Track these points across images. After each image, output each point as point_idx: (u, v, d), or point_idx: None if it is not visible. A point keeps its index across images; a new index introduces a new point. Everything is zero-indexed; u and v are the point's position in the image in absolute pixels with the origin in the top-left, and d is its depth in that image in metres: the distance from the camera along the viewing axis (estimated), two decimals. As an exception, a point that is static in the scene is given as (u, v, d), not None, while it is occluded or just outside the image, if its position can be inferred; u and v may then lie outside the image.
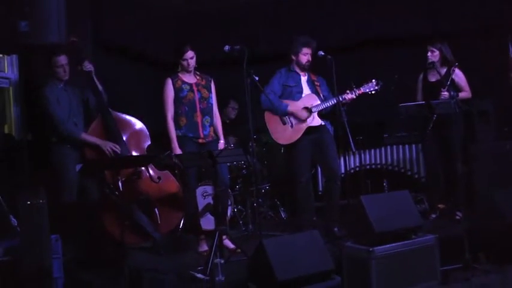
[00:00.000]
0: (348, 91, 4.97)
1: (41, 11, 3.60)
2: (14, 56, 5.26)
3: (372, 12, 6.83)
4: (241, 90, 4.42)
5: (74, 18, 4.42)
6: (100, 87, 4.70)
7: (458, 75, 5.34)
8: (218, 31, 6.89)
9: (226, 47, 4.48)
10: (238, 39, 4.64)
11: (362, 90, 5.00)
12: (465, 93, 5.36)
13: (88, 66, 4.66)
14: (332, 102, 4.95)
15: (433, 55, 5.34)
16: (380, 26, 6.81)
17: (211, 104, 4.83)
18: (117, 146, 4.56)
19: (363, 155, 6.08)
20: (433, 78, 5.43)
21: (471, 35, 6.45)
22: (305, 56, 5.05)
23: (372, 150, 6.11)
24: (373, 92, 5.01)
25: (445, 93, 5.08)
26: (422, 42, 5.50)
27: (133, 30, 6.27)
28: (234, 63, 4.52)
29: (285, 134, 5.01)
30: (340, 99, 4.93)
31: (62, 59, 4.54)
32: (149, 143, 4.80)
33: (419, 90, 5.56)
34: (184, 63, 4.70)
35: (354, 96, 4.97)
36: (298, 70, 5.12)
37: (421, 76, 5.56)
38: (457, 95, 5.10)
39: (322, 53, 4.96)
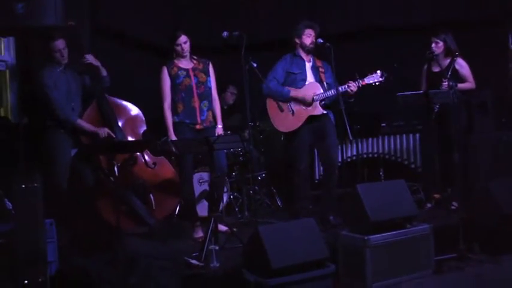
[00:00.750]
0: (351, 82, 4.90)
1: (37, -7, 3.56)
2: (11, 39, 5.22)
3: (373, 0, 6.79)
4: (240, 76, 4.39)
5: (71, 1, 4.39)
6: (104, 73, 4.69)
7: (462, 66, 5.31)
8: (217, 16, 6.85)
9: (225, 33, 4.44)
10: (237, 25, 4.62)
11: (366, 81, 4.91)
12: (469, 84, 5.33)
13: (87, 59, 4.62)
14: (334, 93, 4.85)
15: (437, 46, 5.31)
16: (380, 15, 6.78)
17: (210, 88, 4.80)
18: (106, 130, 4.54)
19: (360, 144, 6.07)
20: (436, 68, 5.40)
21: (471, 25, 6.42)
22: (309, 37, 4.99)
23: (369, 139, 6.10)
24: (377, 84, 4.93)
25: (445, 84, 5.06)
26: (422, 31, 5.47)
27: (131, 14, 6.22)
28: (233, 49, 4.49)
29: (286, 121, 4.98)
30: (343, 90, 4.88)
31: (60, 44, 4.50)
32: (145, 128, 4.79)
33: (423, 80, 5.54)
34: (178, 48, 4.67)
35: (357, 87, 4.89)
36: (303, 55, 5.06)
37: (425, 66, 5.53)
38: (456, 85, 5.08)
39: (321, 41, 4.92)
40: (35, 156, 4.55)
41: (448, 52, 5.32)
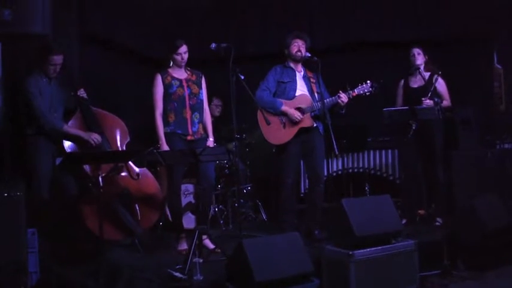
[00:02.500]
0: (341, 92, 4.92)
1: (25, 1, 3.55)
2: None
3: (359, 15, 6.84)
4: (226, 88, 4.38)
5: (59, 9, 4.37)
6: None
7: (440, 83, 5.35)
8: (205, 28, 6.86)
9: (213, 45, 4.44)
10: (226, 38, 4.62)
11: (356, 92, 4.93)
12: (445, 102, 5.38)
13: (82, 93, 4.62)
14: (323, 104, 4.84)
15: (420, 57, 5.35)
16: (367, 30, 6.83)
17: (201, 100, 4.79)
18: (99, 137, 4.51)
19: (345, 159, 6.08)
20: (414, 84, 5.46)
21: (457, 43, 6.49)
22: (295, 47, 5.00)
23: (355, 154, 6.12)
24: (367, 94, 4.95)
25: (427, 102, 5.08)
26: (408, 47, 5.52)
27: (120, 23, 6.20)
28: (219, 60, 4.48)
29: (277, 134, 4.95)
30: (334, 100, 4.90)
31: (58, 59, 4.45)
32: (129, 139, 4.76)
33: (399, 95, 5.57)
34: (178, 57, 4.66)
35: (348, 98, 4.91)
36: (293, 65, 5.06)
37: (402, 82, 5.57)
38: (441, 101, 5.12)
39: (309, 55, 4.95)
40: (19, 165, 4.50)
41: (426, 66, 5.37)
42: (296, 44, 5.00)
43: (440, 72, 5.20)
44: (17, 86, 4.53)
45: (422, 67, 5.34)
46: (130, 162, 4.62)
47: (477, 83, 6.36)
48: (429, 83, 5.21)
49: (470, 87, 6.11)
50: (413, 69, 5.36)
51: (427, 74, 5.32)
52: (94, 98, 4.73)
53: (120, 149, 4.68)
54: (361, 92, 4.95)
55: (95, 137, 4.49)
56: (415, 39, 5.96)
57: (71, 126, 4.53)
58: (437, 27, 6.53)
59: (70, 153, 4.44)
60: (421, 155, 5.43)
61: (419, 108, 4.99)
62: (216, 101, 6.57)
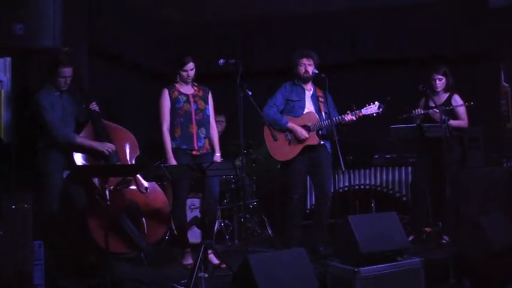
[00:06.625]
0: (348, 112, 4.93)
1: (37, 15, 3.59)
2: (8, 59, 5.23)
3: (367, 32, 6.88)
4: (232, 104, 4.40)
5: (70, 23, 4.41)
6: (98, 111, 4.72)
7: (458, 102, 5.34)
8: (212, 45, 6.93)
9: (221, 61, 4.46)
10: (233, 54, 4.66)
11: (363, 112, 4.94)
12: (462, 122, 5.35)
13: (94, 106, 4.65)
14: (331, 122, 4.89)
15: (441, 82, 5.35)
16: (374, 47, 6.86)
17: (208, 116, 4.82)
18: (113, 146, 4.53)
19: (352, 175, 6.08)
20: (432, 103, 5.46)
21: (464, 61, 6.50)
22: (302, 66, 5.02)
23: (362, 171, 6.12)
24: (374, 115, 4.95)
25: (435, 111, 5.08)
26: (416, 65, 5.54)
27: (130, 38, 6.27)
28: (224, 76, 4.51)
29: (282, 150, 4.97)
30: (340, 119, 4.92)
31: (68, 71, 4.47)
32: (138, 153, 4.78)
33: (418, 113, 5.57)
34: (184, 74, 4.71)
35: (354, 118, 4.93)
36: (302, 84, 5.09)
37: (423, 100, 5.57)
38: (448, 119, 5.12)
39: (316, 71, 4.97)
40: (27, 177, 4.52)
41: (448, 87, 5.37)
42: (303, 64, 5.02)
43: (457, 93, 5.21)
44: (28, 100, 4.56)
45: (440, 89, 5.35)
46: (139, 176, 4.63)
47: (484, 101, 6.35)
48: (447, 102, 5.22)
49: (477, 105, 6.11)
50: (421, 89, 5.35)
51: (445, 95, 5.34)
52: (102, 112, 4.76)
53: (129, 162, 4.70)
54: (368, 112, 4.95)
55: (109, 147, 4.51)
56: (422, 57, 6.00)
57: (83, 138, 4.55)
58: (445, 46, 6.56)
59: (79, 166, 4.46)
60: (430, 172, 5.41)
61: (426, 125, 4.99)
62: (217, 117, 6.53)
